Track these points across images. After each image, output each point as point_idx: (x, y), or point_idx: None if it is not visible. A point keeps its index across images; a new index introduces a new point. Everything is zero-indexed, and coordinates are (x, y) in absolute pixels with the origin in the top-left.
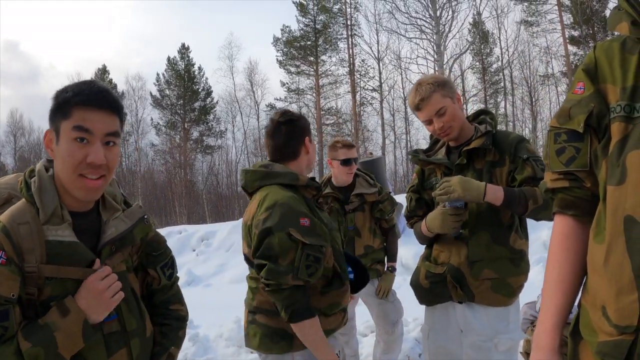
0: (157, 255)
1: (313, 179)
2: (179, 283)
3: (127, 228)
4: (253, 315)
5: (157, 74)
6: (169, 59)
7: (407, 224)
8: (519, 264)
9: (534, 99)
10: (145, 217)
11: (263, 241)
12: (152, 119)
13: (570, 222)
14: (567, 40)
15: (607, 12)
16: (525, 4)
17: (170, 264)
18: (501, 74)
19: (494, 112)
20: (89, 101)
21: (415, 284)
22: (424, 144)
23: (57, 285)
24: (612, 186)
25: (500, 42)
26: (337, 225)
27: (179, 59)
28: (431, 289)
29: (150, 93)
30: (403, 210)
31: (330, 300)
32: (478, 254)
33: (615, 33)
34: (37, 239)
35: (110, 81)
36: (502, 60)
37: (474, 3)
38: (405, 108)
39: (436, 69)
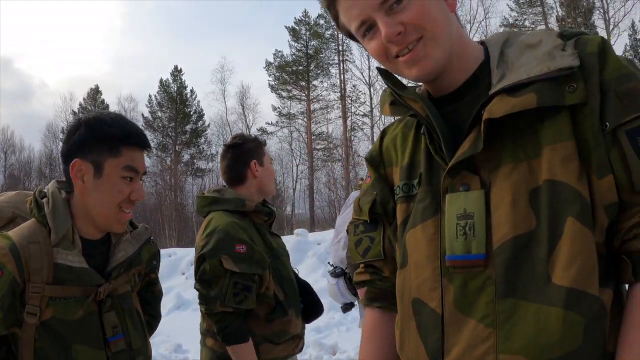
0: (158, 262)
1: (264, 203)
2: (169, 307)
3: (135, 250)
4: (204, 337)
5: (150, 96)
6: (161, 80)
7: None
8: None
9: None
10: (152, 238)
11: (199, 267)
12: None
13: (377, 314)
14: None
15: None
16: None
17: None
18: None
19: None
20: (137, 143)
21: None
22: None
23: (60, 306)
24: (398, 270)
25: None
26: None
27: (171, 81)
28: None
29: (142, 114)
30: None
31: (277, 327)
32: None
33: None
34: (46, 260)
35: (103, 102)
36: None
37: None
38: None
39: None
